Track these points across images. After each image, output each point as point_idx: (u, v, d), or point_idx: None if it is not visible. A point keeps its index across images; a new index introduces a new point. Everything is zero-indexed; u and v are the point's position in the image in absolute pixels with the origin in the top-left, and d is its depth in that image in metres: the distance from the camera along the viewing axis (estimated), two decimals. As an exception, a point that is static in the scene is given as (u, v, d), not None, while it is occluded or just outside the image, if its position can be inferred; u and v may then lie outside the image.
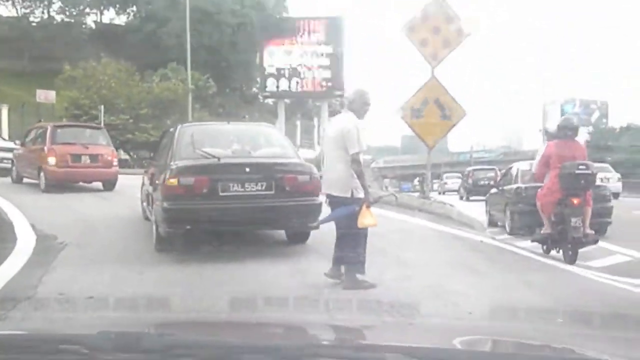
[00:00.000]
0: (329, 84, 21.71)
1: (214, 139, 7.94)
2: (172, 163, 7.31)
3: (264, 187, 7.16)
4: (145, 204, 9.13)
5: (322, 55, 21.70)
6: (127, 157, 31.51)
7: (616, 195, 18.61)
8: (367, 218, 5.83)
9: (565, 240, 7.80)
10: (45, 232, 8.72)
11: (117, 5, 46.18)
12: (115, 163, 14.17)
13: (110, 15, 47.78)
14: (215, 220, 7.09)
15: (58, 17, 43.05)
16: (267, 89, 22.49)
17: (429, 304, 5.22)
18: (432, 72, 12.72)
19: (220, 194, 7.07)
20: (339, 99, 43.17)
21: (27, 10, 42.08)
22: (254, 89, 50.41)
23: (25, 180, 15.28)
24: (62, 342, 1.77)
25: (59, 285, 5.93)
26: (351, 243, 5.97)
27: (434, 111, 12.46)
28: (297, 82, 21.88)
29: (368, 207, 5.83)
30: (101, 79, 29.87)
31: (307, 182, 7.35)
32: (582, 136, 62.88)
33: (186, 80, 31.67)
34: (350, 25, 56.97)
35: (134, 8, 46.68)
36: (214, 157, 7.25)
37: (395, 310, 4.76)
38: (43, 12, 43.15)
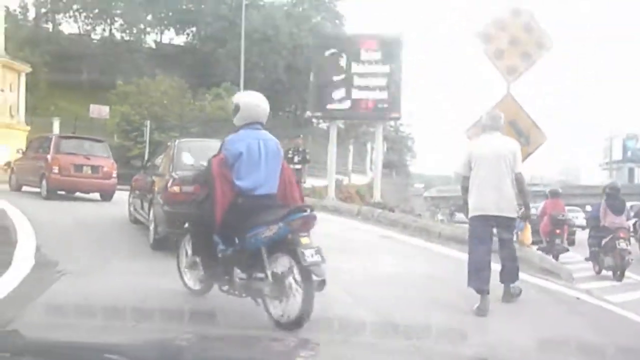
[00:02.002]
0: (385, 105, 19.72)
1: (208, 152, 8.33)
2: (173, 173, 8.15)
3: None
4: (132, 208, 10.14)
5: (378, 75, 19.79)
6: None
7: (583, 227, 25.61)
8: (528, 234, 6.37)
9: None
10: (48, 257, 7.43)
11: (177, 26, 45.54)
12: (114, 175, 14.50)
13: (170, 35, 47.21)
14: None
15: (118, 35, 42.66)
16: (318, 110, 20.53)
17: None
18: (508, 89, 10.62)
19: None
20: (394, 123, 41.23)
21: (89, 27, 41.86)
22: (308, 113, 48.99)
23: (23, 188, 15.42)
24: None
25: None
26: (512, 260, 6.22)
27: (508, 135, 10.35)
28: (351, 103, 19.95)
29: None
30: (153, 95, 28.75)
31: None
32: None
33: (239, 100, 30.27)
34: (409, 43, 55.15)
35: (194, 29, 46.02)
36: None
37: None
38: (104, 30, 42.88)
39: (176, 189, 7.83)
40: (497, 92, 10.96)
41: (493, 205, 6.04)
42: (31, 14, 39.31)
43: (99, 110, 30.98)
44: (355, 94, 20.04)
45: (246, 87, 32.70)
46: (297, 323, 4.55)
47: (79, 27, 41.91)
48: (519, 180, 6.18)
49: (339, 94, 20.25)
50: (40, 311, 4.82)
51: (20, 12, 38.62)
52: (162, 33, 46.52)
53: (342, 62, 19.84)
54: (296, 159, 14.63)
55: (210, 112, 29.76)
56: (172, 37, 47.30)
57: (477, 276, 5.78)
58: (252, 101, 5.60)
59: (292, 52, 43.01)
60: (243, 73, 30.17)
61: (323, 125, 46.24)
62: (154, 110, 28.26)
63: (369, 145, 42.71)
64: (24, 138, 26.83)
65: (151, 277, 6.35)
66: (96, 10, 41.81)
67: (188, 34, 46.83)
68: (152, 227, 8.38)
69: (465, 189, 6.28)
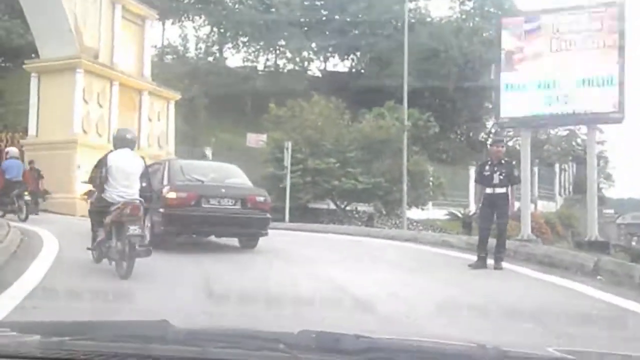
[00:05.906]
0: (604, 103, 12.96)
1: (196, 169, 10.20)
2: (169, 183, 9.48)
3: (232, 203, 9.47)
4: None
5: (592, 62, 13.12)
6: (334, 207, 25.10)
7: None
8: None
9: None
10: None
11: (342, 51, 41.32)
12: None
13: (334, 62, 43.16)
14: (198, 224, 9.38)
15: (281, 62, 39.42)
16: (504, 114, 14.14)
17: None
18: None
19: (203, 205, 9.30)
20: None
21: (252, 57, 39.12)
22: (482, 135, 41.90)
23: None
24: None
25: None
26: None
27: None
28: (552, 103, 13.40)
29: None
30: (307, 118, 24.02)
31: (262, 201, 9.86)
32: None
33: (402, 118, 24.44)
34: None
35: (358, 53, 41.55)
36: (199, 180, 9.61)
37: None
38: (267, 60, 39.93)
39: (172, 194, 9.13)
40: None
41: None
42: (191, 46, 37.37)
43: (256, 139, 27.23)
44: (559, 91, 13.52)
45: (411, 106, 26.92)
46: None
47: (242, 59, 39.35)
48: None
49: (534, 93, 13.81)
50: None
51: (180, 44, 36.80)
52: (326, 60, 42.65)
53: (540, 45, 13.43)
54: (496, 177, 8.35)
55: (369, 133, 24.31)
56: (337, 63, 43.31)
57: None
58: (12, 150, 14.84)
59: (463, 68, 36.64)
60: (407, 92, 24.40)
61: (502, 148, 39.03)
62: (307, 134, 23.53)
63: (556, 167, 34.78)
64: (173, 169, 23.58)
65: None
66: (262, 42, 38.92)
67: (352, 59, 42.52)
68: (147, 230, 8.91)
69: None
